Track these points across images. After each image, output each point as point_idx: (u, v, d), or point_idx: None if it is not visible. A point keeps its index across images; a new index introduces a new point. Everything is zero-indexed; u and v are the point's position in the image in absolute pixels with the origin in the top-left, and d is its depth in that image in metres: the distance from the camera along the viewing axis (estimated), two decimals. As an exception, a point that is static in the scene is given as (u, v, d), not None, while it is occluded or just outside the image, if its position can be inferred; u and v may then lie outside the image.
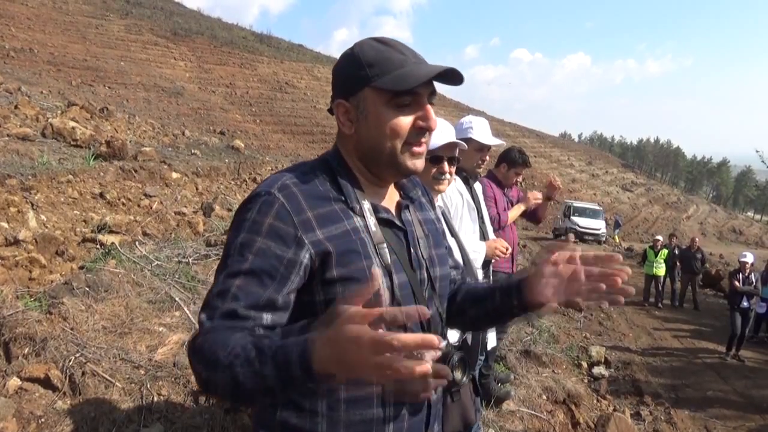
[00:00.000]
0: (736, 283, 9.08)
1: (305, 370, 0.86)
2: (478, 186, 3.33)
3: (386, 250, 1.16)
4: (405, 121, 1.15)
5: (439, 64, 1.16)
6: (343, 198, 1.16)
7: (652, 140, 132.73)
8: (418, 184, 1.40)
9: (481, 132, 3.09)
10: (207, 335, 1.00)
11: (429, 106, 1.16)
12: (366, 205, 1.18)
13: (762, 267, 10.41)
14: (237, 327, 1.02)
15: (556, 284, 1.12)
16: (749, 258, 9.37)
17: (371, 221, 1.17)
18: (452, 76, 1.16)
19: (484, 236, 3.14)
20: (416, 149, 1.17)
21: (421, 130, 1.16)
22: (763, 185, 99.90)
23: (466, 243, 2.68)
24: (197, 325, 1.05)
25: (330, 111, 1.22)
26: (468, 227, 2.89)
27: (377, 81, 1.12)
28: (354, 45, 1.19)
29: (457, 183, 2.94)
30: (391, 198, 1.28)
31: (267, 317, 1.06)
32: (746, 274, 9.15)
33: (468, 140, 3.03)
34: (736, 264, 9.92)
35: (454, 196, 2.83)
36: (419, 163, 1.19)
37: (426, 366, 0.77)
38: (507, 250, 3.12)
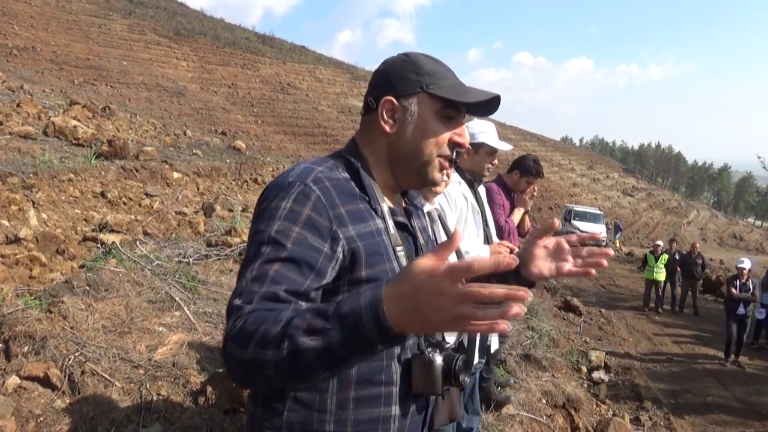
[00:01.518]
0: (733, 290, 9.02)
1: (378, 325, 0.83)
2: (481, 189, 3.32)
3: (402, 254, 1.17)
4: (446, 134, 1.19)
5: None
6: (367, 198, 1.16)
7: (653, 145, 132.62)
8: (419, 193, 1.44)
9: (492, 136, 3.10)
10: (249, 316, 0.94)
11: (464, 126, 1.23)
12: (385, 207, 1.19)
13: (762, 273, 10.37)
14: (279, 308, 0.96)
15: (547, 260, 1.25)
16: (746, 264, 9.30)
17: (390, 224, 1.18)
18: (489, 106, 1.22)
19: (488, 240, 3.13)
20: (445, 163, 1.21)
21: (454, 146, 1.21)
22: (764, 191, 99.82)
23: (464, 247, 2.67)
24: (230, 312, 0.98)
25: (367, 107, 1.22)
26: (472, 231, 2.89)
27: (436, 88, 1.17)
28: (407, 53, 1.23)
29: (462, 186, 2.94)
30: (399, 204, 1.31)
31: (303, 306, 1.01)
32: (744, 281, 9.09)
33: (479, 145, 3.04)
34: (735, 270, 9.87)
35: (459, 200, 2.82)
36: (439, 178, 1.23)
37: (506, 323, 0.78)
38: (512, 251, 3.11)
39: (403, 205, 1.32)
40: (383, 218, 1.17)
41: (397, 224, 1.22)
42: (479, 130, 3.11)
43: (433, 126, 1.18)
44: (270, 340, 0.88)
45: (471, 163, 3.08)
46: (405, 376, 1.14)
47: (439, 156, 1.20)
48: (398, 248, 1.17)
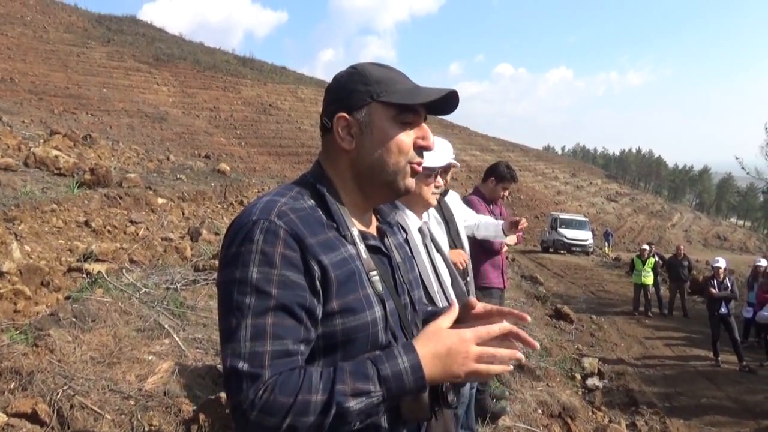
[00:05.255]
0: (712, 290, 9.05)
1: (417, 385, 1.01)
2: (452, 198, 3.30)
3: (377, 278, 1.14)
4: (407, 140, 1.17)
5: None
6: (335, 225, 1.13)
7: (634, 150, 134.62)
8: (393, 209, 1.41)
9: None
10: (273, 384, 0.96)
11: (428, 127, 1.20)
12: (355, 232, 1.16)
13: (748, 272, 10.47)
14: (297, 366, 1.00)
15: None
16: (722, 263, 9.36)
17: (361, 248, 1.15)
18: (448, 104, 1.21)
19: (454, 247, 3.13)
20: (415, 168, 1.19)
21: (420, 150, 1.19)
22: (745, 191, 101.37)
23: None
24: (239, 377, 0.97)
25: (323, 127, 1.20)
26: (442, 240, 2.91)
27: (387, 95, 1.14)
28: (354, 66, 1.21)
29: None
30: (372, 223, 1.28)
31: (306, 351, 1.04)
32: (720, 279, 9.14)
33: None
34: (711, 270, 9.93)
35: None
36: (413, 184, 1.21)
37: (518, 353, 1.06)
38: (465, 262, 3.09)
39: (376, 224, 1.29)
40: (354, 244, 1.14)
41: (370, 248, 1.18)
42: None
43: (391, 134, 1.15)
44: (313, 408, 0.96)
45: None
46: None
47: (410, 163, 1.17)
48: (372, 273, 1.14)
